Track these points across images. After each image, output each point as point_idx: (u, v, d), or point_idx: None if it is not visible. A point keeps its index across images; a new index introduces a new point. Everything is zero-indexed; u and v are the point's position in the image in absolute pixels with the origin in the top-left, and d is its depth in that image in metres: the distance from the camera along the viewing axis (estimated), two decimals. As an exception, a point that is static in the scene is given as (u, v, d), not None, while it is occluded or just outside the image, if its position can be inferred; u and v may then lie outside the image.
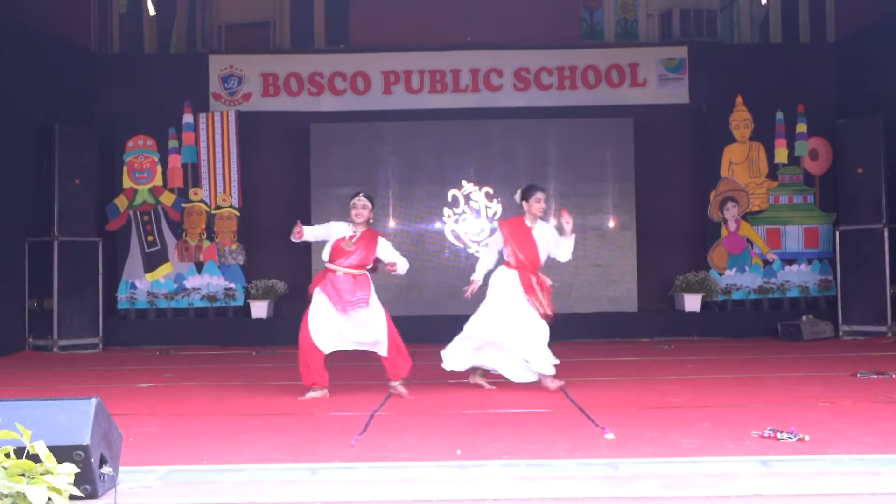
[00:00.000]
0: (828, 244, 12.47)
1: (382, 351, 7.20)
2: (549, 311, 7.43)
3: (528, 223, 7.57)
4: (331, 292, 7.13)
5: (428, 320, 12.50)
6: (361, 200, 7.35)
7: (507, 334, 7.38)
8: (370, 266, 7.37)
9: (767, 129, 12.77)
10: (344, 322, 7.16)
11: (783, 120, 12.71)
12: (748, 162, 12.89)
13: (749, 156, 12.89)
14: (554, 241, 7.59)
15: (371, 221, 7.45)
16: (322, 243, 7.55)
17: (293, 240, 7.41)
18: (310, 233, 7.38)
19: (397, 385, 7.25)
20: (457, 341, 7.62)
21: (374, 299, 7.28)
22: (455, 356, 7.60)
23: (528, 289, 7.39)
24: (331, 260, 7.25)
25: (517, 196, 7.68)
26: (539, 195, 7.54)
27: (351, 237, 7.25)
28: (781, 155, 12.71)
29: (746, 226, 12.87)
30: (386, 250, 7.43)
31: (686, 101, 13.32)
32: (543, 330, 7.40)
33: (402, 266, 7.51)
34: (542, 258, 7.56)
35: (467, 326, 7.59)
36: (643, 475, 4.27)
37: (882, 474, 4.24)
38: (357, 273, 7.24)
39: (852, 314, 11.79)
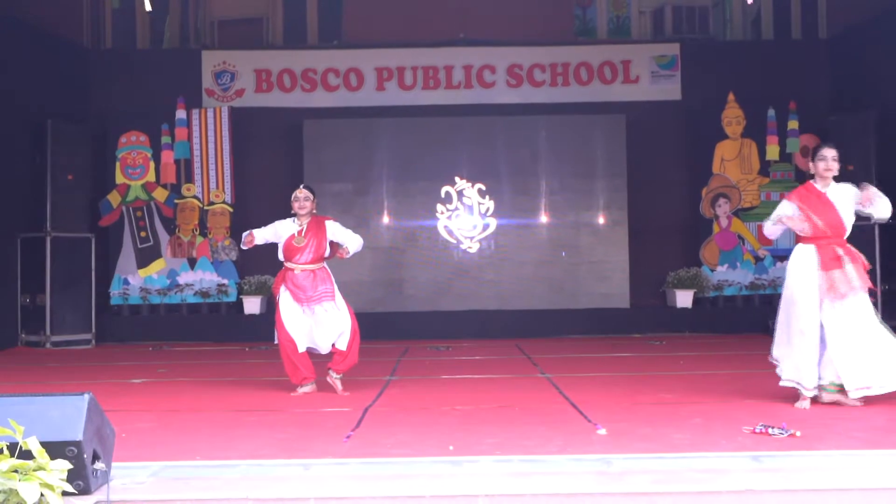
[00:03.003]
0: (819, 241, 12.48)
1: (342, 345, 7.14)
2: (858, 287, 6.06)
3: (820, 187, 6.29)
4: (293, 290, 7.12)
5: (421, 316, 12.58)
6: (303, 192, 7.29)
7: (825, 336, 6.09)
8: (327, 255, 7.30)
9: (759, 125, 12.80)
10: (311, 321, 7.11)
11: (775, 117, 12.75)
12: (740, 158, 12.92)
13: (741, 152, 12.92)
14: (859, 200, 6.27)
15: (314, 211, 7.37)
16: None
17: (243, 247, 7.45)
18: (259, 237, 7.33)
19: (337, 378, 7.17)
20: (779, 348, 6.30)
21: (338, 293, 7.22)
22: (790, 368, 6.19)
23: (830, 263, 6.09)
24: (286, 259, 7.24)
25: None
26: (824, 152, 6.25)
27: (300, 232, 7.22)
28: (773, 152, 12.75)
29: (738, 222, 12.90)
30: (337, 231, 7.31)
31: (678, 97, 13.34)
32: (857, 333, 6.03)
33: (353, 245, 7.28)
34: (847, 223, 6.23)
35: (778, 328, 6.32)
36: (635, 470, 4.28)
37: (873, 470, 4.25)
38: (315, 268, 7.21)
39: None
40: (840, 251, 6.15)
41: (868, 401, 6.12)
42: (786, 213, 6.33)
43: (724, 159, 12.95)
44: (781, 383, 6.25)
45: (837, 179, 6.41)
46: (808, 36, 13.70)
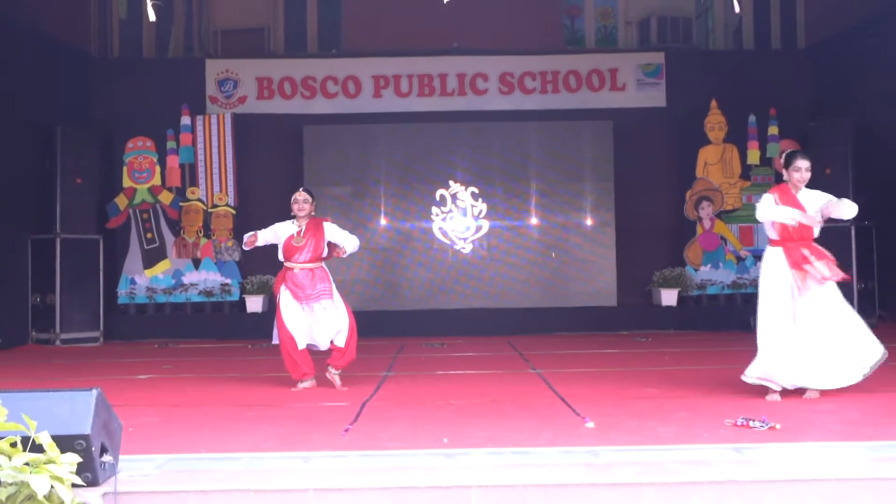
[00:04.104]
0: (798, 242, 12.51)
1: (340, 342, 7.15)
2: (828, 276, 6.15)
3: (793, 191, 6.36)
4: (292, 288, 7.12)
5: (417, 314, 12.58)
6: (302, 195, 7.30)
7: (797, 336, 6.16)
8: (325, 255, 7.30)
9: (740, 131, 12.83)
10: (310, 319, 7.12)
11: (755, 123, 12.78)
12: (722, 163, 12.94)
13: (723, 157, 12.94)
14: (827, 206, 6.28)
15: (313, 213, 7.38)
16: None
17: (244, 248, 7.48)
18: (261, 238, 7.35)
19: (336, 374, 7.16)
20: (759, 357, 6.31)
21: (336, 291, 7.22)
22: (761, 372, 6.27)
23: (799, 262, 6.17)
24: (286, 259, 7.25)
25: (782, 160, 6.51)
26: (799, 163, 6.32)
27: (298, 232, 7.23)
28: (754, 156, 12.78)
29: (720, 224, 12.92)
30: (334, 232, 7.32)
31: (663, 104, 13.36)
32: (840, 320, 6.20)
33: (350, 246, 7.30)
34: (815, 228, 6.30)
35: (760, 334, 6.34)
36: (622, 462, 4.28)
37: (849, 461, 4.26)
38: (314, 266, 7.21)
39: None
40: (806, 251, 6.23)
41: (842, 394, 6.15)
42: (775, 207, 6.35)
43: (707, 163, 12.97)
44: (749, 381, 6.31)
45: (814, 184, 6.48)
46: (788, 46, 13.74)
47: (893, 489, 3.93)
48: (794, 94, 13.18)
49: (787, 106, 12.87)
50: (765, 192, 6.66)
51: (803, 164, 6.35)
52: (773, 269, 6.29)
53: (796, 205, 6.29)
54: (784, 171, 6.45)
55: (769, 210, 6.33)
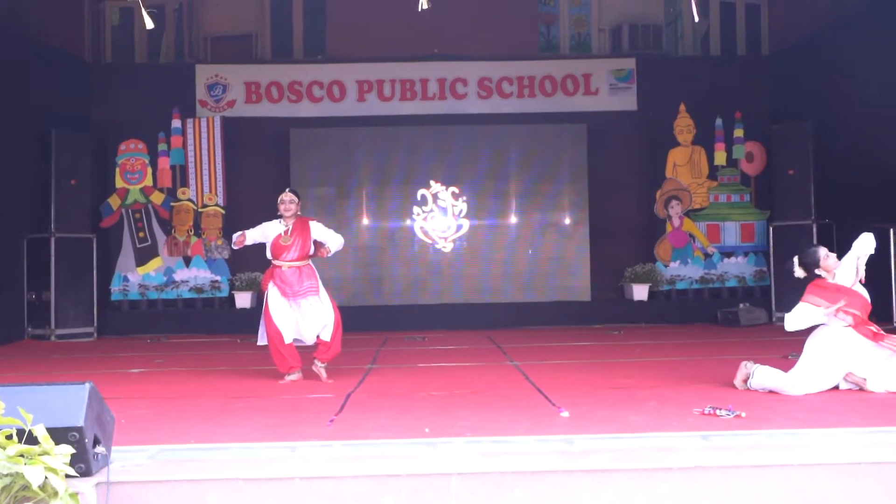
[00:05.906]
0: (762, 238, 12.60)
1: (326, 336, 7.13)
2: None
3: (831, 279, 6.18)
4: (280, 285, 7.10)
5: (398, 309, 12.58)
6: (289, 196, 7.28)
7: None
8: (311, 253, 7.28)
9: (708, 133, 12.88)
10: (297, 314, 7.10)
11: (722, 125, 12.83)
12: (690, 164, 12.99)
13: (691, 158, 13.00)
14: (857, 262, 6.20)
15: (299, 213, 7.35)
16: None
17: (233, 247, 7.44)
18: (249, 237, 7.32)
19: (322, 367, 7.14)
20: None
21: (322, 288, 7.20)
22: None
23: (874, 337, 6.01)
24: (274, 257, 7.22)
25: (797, 272, 6.36)
26: (822, 253, 6.24)
27: (286, 231, 7.21)
28: (720, 157, 12.83)
29: (689, 222, 12.97)
30: (319, 231, 7.30)
31: (634, 108, 13.40)
32: None
33: (334, 244, 7.29)
34: (868, 297, 6.15)
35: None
36: (595, 450, 4.28)
37: (812, 447, 4.28)
38: (301, 264, 7.19)
39: (785, 302, 11.87)
40: (873, 328, 6.06)
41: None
42: (817, 317, 6.08)
43: (676, 164, 13.02)
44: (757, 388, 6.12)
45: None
46: (752, 52, 13.81)
47: (854, 474, 3.96)
48: (758, 97, 13.25)
49: (752, 109, 12.93)
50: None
51: (823, 250, 6.21)
52: (838, 337, 6.02)
53: (848, 293, 6.06)
54: (814, 271, 6.21)
55: (797, 319, 6.10)
